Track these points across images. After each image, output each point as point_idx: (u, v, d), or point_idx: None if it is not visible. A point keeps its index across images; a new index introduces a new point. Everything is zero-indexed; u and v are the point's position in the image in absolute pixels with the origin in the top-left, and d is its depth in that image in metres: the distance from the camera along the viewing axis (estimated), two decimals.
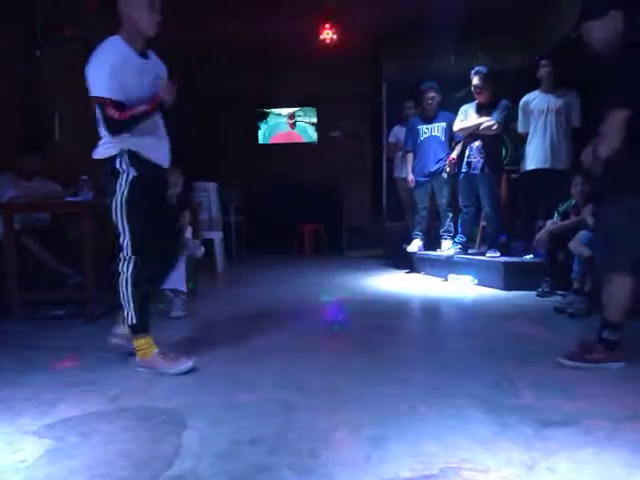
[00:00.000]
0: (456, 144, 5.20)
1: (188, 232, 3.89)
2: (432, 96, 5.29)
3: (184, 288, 3.65)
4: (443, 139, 5.31)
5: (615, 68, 2.27)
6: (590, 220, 3.47)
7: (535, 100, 4.61)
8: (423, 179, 5.39)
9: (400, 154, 5.96)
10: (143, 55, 2.44)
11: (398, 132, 6.03)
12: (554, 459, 1.55)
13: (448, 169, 5.20)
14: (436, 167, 5.31)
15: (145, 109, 2.34)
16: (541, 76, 4.57)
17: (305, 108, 8.38)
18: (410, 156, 5.51)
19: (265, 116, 8.51)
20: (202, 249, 4.09)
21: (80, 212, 3.55)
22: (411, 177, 5.46)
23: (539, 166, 4.56)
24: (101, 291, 3.49)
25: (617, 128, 2.20)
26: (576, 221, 3.79)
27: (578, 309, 3.43)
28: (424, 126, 5.38)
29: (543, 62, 4.59)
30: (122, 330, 2.60)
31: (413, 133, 5.46)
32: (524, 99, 4.67)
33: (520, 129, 4.72)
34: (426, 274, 5.43)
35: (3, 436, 1.76)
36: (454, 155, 5.16)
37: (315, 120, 8.32)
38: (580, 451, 1.60)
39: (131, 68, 2.35)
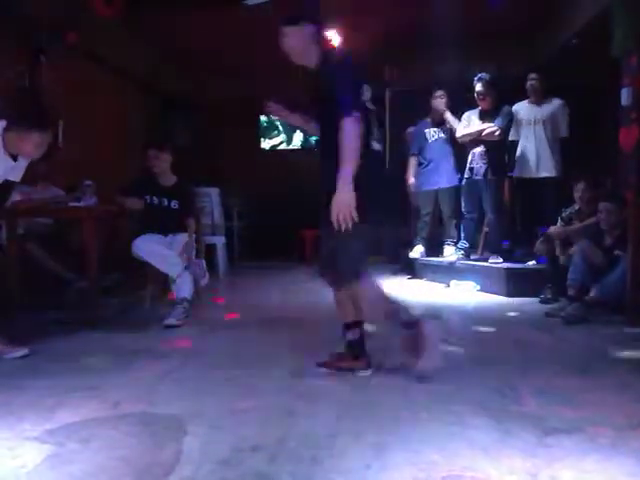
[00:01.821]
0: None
1: (192, 241, 3.85)
2: (443, 93, 5.31)
3: (189, 296, 3.61)
4: (450, 142, 5.31)
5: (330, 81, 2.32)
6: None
7: (522, 111, 4.86)
8: (429, 186, 5.37)
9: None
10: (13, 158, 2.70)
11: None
12: (557, 467, 1.54)
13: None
14: (442, 174, 5.30)
15: None
16: (528, 89, 4.81)
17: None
18: (412, 160, 5.50)
19: (266, 131, 8.50)
20: (207, 277, 4.00)
21: (83, 217, 3.55)
22: (412, 180, 5.44)
23: (525, 175, 4.83)
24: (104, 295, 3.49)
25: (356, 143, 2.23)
26: (586, 225, 3.83)
27: (570, 314, 3.42)
28: (432, 129, 5.39)
29: (531, 76, 4.81)
30: None
31: (420, 137, 5.46)
32: (514, 108, 4.87)
33: (510, 137, 4.89)
34: (428, 280, 5.42)
35: (3, 441, 1.75)
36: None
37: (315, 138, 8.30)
38: (584, 459, 1.59)
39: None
